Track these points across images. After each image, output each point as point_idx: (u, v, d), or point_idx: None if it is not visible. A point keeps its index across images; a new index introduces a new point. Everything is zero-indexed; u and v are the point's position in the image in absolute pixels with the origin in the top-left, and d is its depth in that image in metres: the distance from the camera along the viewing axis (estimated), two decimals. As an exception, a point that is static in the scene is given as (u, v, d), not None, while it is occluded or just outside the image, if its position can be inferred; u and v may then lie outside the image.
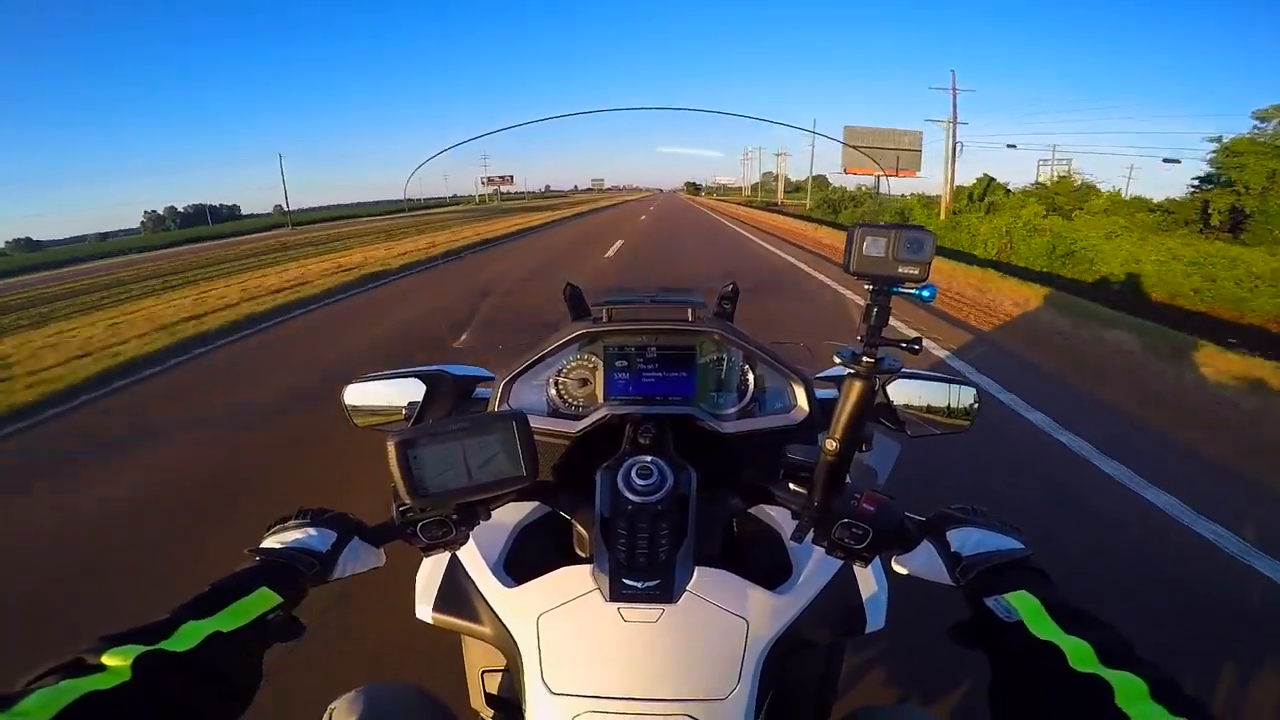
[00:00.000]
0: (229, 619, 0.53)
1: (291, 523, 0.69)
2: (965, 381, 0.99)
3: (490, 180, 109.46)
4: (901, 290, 0.57)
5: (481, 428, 0.68)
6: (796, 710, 0.90)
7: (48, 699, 0.41)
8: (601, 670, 0.69)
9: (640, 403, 0.98)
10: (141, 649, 0.46)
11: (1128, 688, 0.43)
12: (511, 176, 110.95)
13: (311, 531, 0.67)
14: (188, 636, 0.50)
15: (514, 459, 0.68)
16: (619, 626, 0.70)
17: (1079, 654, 0.47)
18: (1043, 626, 0.51)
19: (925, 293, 0.56)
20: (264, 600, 0.56)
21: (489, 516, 0.75)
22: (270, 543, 0.66)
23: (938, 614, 0.62)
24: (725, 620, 0.72)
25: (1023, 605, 0.53)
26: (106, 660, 0.45)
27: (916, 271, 0.55)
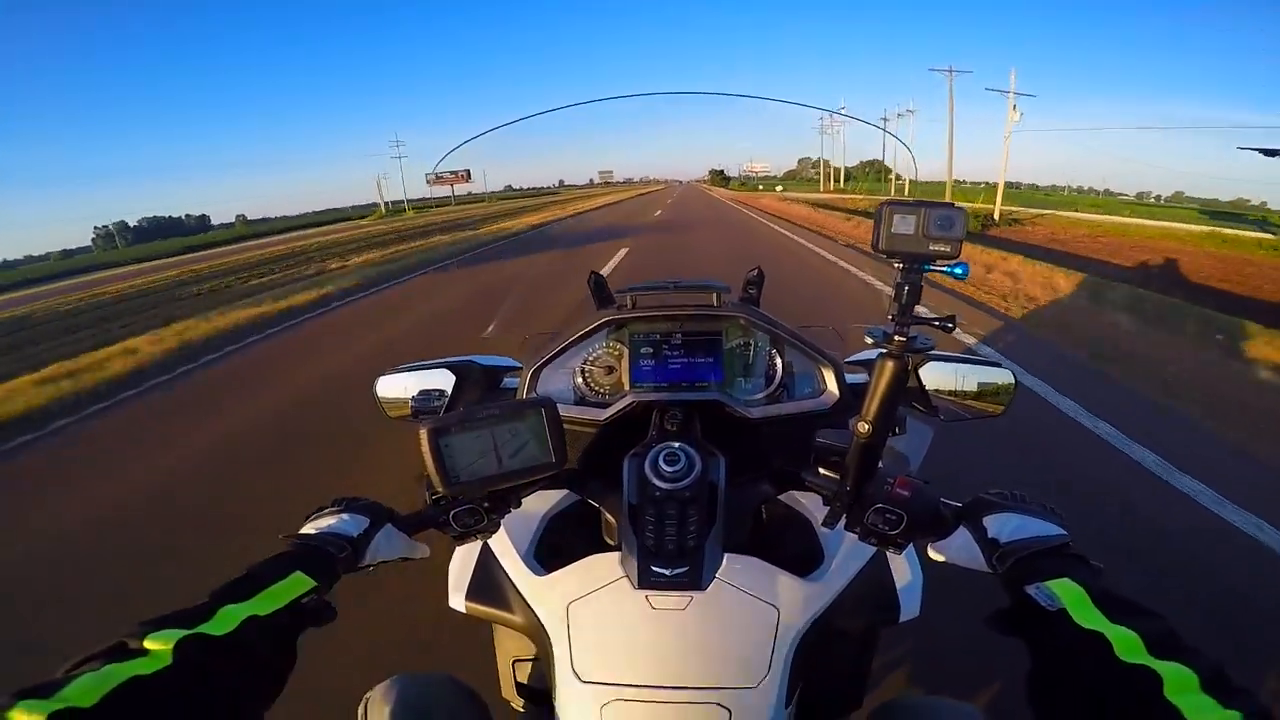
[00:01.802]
0: (265, 603, 0.55)
1: (327, 510, 0.72)
2: (999, 364, 0.98)
3: (440, 178, 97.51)
4: (933, 268, 0.56)
5: (512, 415, 0.69)
6: (828, 700, 0.90)
7: (92, 684, 0.42)
8: (630, 658, 0.70)
9: (667, 389, 0.99)
10: (182, 633, 0.48)
11: (1178, 679, 0.43)
12: (468, 172, 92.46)
13: (345, 518, 0.70)
14: (225, 620, 0.52)
15: (544, 446, 0.70)
16: (647, 614, 0.71)
17: (1126, 644, 0.46)
18: (1087, 615, 0.50)
19: (957, 270, 0.56)
20: (298, 584, 0.58)
21: (519, 504, 0.77)
22: (306, 529, 0.69)
23: (971, 601, 0.61)
24: (755, 608, 0.72)
25: (1065, 593, 0.52)
26: (149, 645, 0.47)
27: (948, 249, 0.54)
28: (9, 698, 0.40)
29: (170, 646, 0.47)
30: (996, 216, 22.08)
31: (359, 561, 0.68)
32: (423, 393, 1.06)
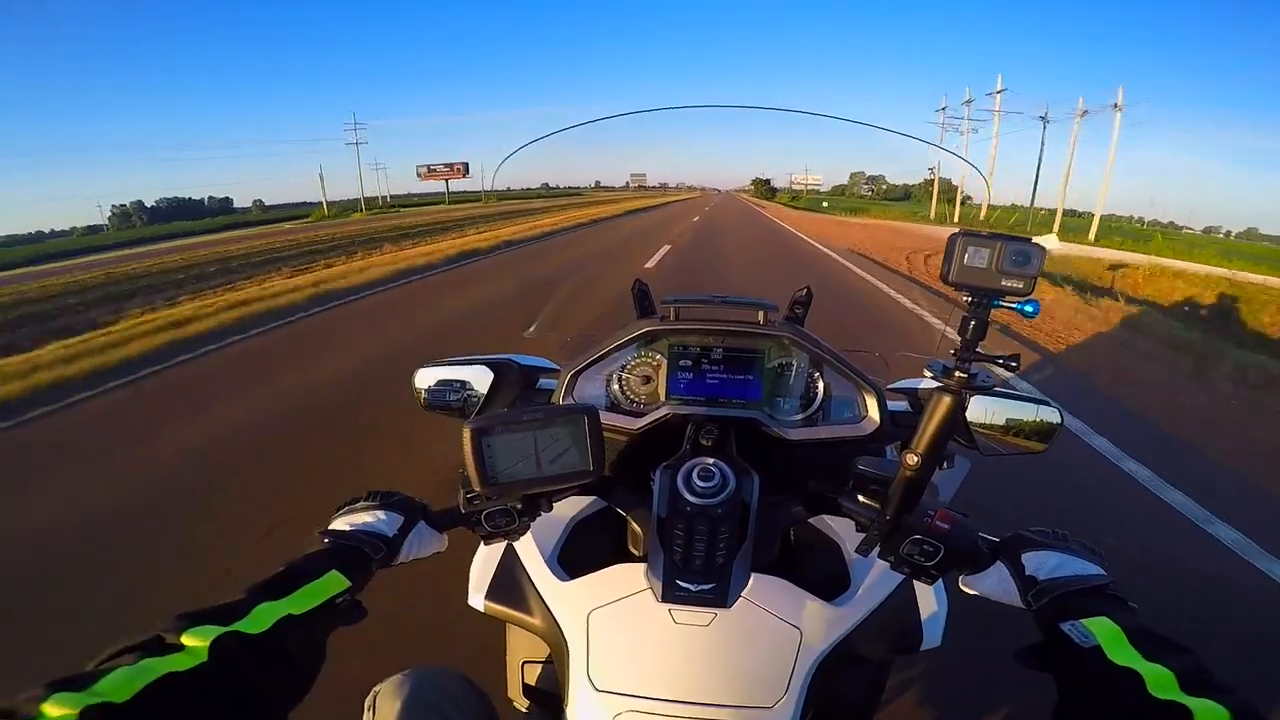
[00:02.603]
0: (300, 601, 0.56)
1: (360, 505, 0.73)
2: (1047, 402, 0.96)
3: (433, 171, 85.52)
4: (1003, 304, 0.55)
5: (555, 420, 0.70)
6: None
7: (127, 679, 0.42)
8: (648, 670, 0.71)
9: (703, 404, 0.99)
10: (219, 630, 0.49)
11: (1209, 716, 0.43)
12: (465, 166, 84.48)
13: (380, 515, 0.71)
14: (262, 619, 0.52)
15: (584, 454, 0.71)
16: (669, 628, 0.72)
17: (1159, 681, 0.47)
18: (1121, 653, 0.50)
19: (1028, 308, 0.55)
20: (334, 584, 0.59)
21: (550, 509, 0.78)
22: (339, 524, 0.70)
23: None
24: (778, 628, 0.72)
25: (1101, 631, 0.53)
26: (186, 640, 0.47)
27: (1021, 285, 0.54)
28: (43, 689, 0.40)
29: (207, 644, 0.47)
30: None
31: (393, 560, 0.69)
32: (460, 387, 1.07)
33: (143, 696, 0.42)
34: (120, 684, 0.42)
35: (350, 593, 0.61)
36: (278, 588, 0.56)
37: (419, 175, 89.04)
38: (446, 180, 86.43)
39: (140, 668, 0.44)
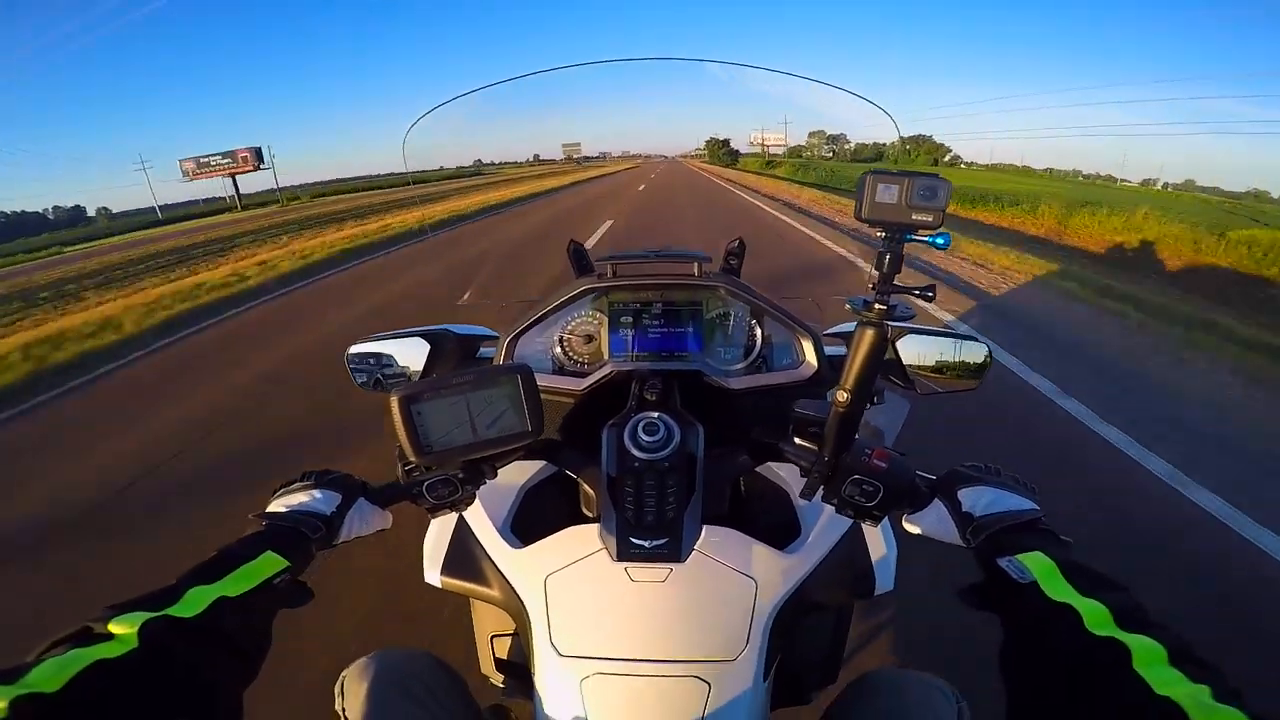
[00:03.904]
0: (235, 584, 0.55)
1: (296, 485, 0.72)
2: (975, 338, 0.99)
3: (205, 166, 64.30)
4: (914, 238, 0.57)
5: (487, 381, 0.69)
6: (803, 673, 0.92)
7: (56, 669, 0.42)
8: (610, 631, 0.71)
9: (646, 359, 1.00)
10: (147, 615, 0.49)
11: (1146, 651, 0.44)
12: (256, 152, 64.27)
13: (316, 494, 0.70)
14: (194, 602, 0.52)
15: (521, 414, 0.70)
16: (627, 586, 0.73)
17: (1095, 616, 0.48)
18: (1057, 588, 0.52)
19: (940, 240, 0.56)
20: (269, 564, 0.59)
21: (495, 475, 0.77)
22: (275, 506, 0.69)
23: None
24: (734, 580, 0.74)
25: (1036, 566, 0.54)
26: (113, 628, 0.47)
27: (930, 219, 0.55)
28: None
29: (135, 629, 0.47)
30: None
31: (334, 540, 0.69)
32: (394, 361, 1.06)
33: (73, 685, 0.42)
34: (49, 674, 0.42)
35: (290, 573, 0.60)
36: (210, 571, 0.56)
37: (185, 174, 67.04)
38: (231, 176, 65.63)
39: (69, 657, 0.44)
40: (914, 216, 0.56)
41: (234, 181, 66.56)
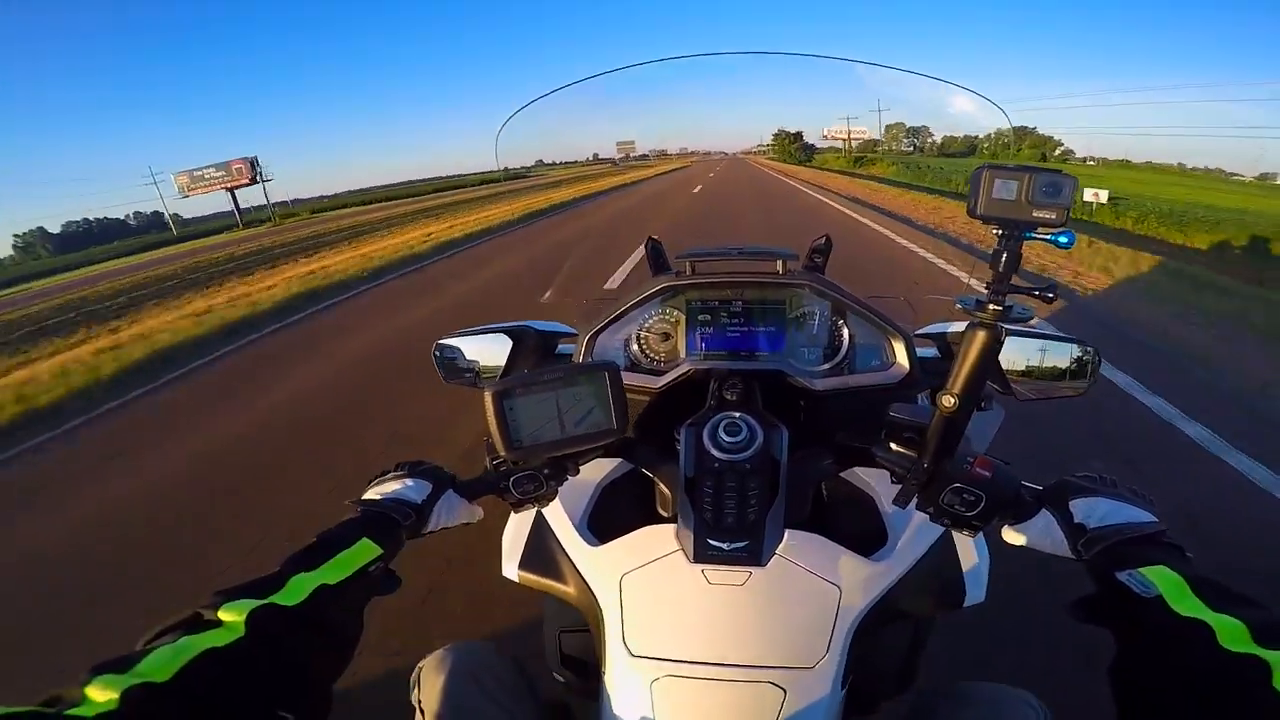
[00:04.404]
0: (334, 570, 0.57)
1: (390, 475, 0.75)
2: (1081, 341, 0.93)
3: (200, 181, 59.20)
4: (1036, 235, 0.54)
5: (576, 378, 0.71)
6: (879, 684, 0.89)
7: (168, 658, 0.43)
8: (684, 633, 0.71)
9: (725, 358, 0.99)
10: (255, 603, 0.50)
11: None
12: (250, 163, 57.91)
13: (409, 483, 0.73)
14: (297, 590, 0.53)
15: (607, 412, 0.71)
16: (703, 589, 0.72)
17: (1231, 632, 0.45)
18: (1186, 603, 0.49)
19: (1063, 238, 0.54)
20: (366, 551, 0.60)
21: (577, 472, 0.78)
22: (370, 495, 0.72)
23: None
24: (816, 586, 0.72)
25: (1162, 580, 0.51)
26: (222, 615, 0.48)
27: (1053, 216, 0.53)
28: (87, 672, 0.41)
29: (243, 617, 0.49)
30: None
31: (423, 528, 0.71)
32: (478, 357, 1.09)
33: (184, 673, 0.43)
34: (161, 663, 0.43)
35: (383, 560, 0.62)
36: (312, 558, 0.58)
37: (180, 190, 61.95)
38: (229, 190, 59.60)
39: (179, 646, 0.45)
40: (1035, 214, 0.53)
41: (233, 196, 61.18)
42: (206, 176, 60.56)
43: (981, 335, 0.59)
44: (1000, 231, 0.56)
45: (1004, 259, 0.56)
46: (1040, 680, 0.87)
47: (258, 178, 59.44)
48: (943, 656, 1.58)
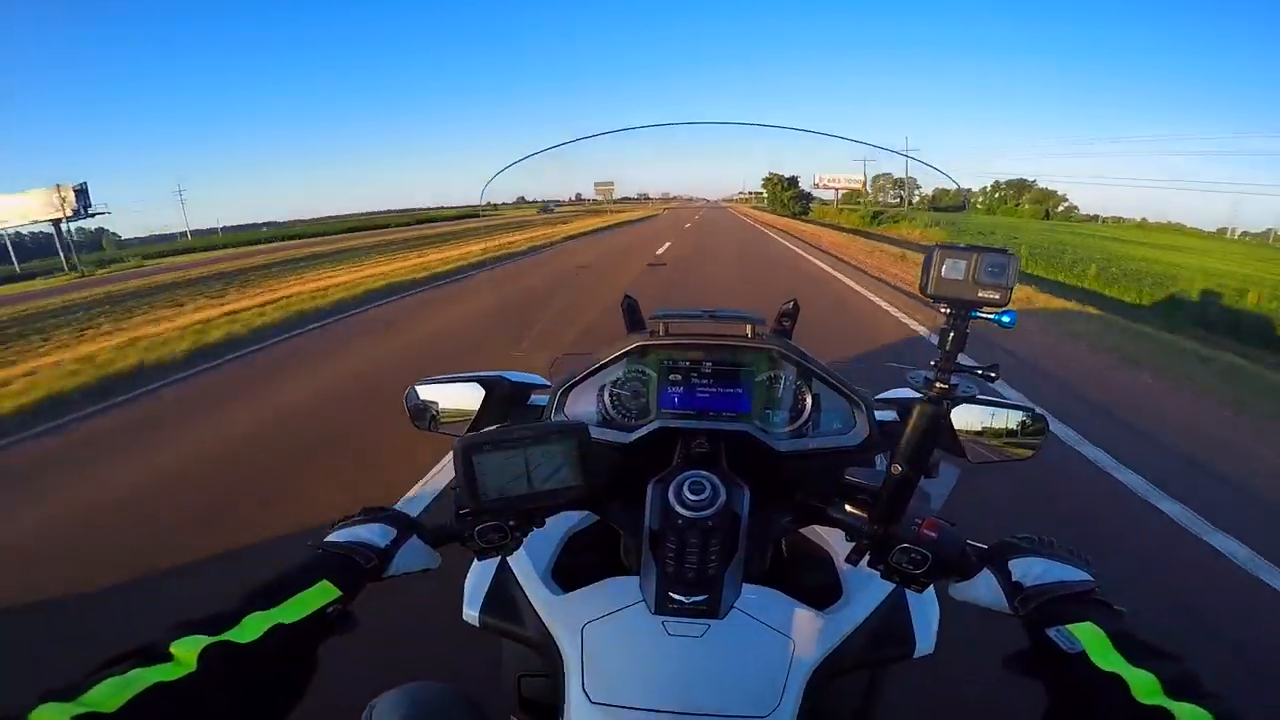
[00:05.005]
0: (291, 610, 0.57)
1: (354, 519, 0.76)
2: (1031, 407, 0.97)
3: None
4: (980, 314, 0.58)
5: (546, 438, 0.73)
6: None
7: (116, 689, 0.44)
8: (643, 682, 0.73)
9: (694, 417, 1.01)
10: (208, 640, 0.50)
11: None
12: (82, 190, 44.49)
13: (373, 527, 0.74)
14: (252, 628, 0.54)
15: (574, 471, 0.73)
16: (663, 639, 0.75)
17: (1144, 686, 0.49)
18: (1106, 658, 0.52)
19: (1005, 318, 0.57)
20: (324, 593, 0.61)
21: (543, 524, 0.81)
22: (333, 537, 0.72)
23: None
24: (771, 639, 0.75)
25: (1086, 636, 0.55)
26: (175, 650, 0.49)
27: (997, 296, 0.56)
28: (35, 699, 0.41)
29: (196, 653, 0.49)
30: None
31: (384, 572, 0.72)
32: (450, 405, 1.10)
33: (131, 706, 0.43)
34: (109, 694, 0.43)
35: (341, 603, 0.63)
36: (269, 596, 0.58)
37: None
38: (57, 225, 45.35)
39: (129, 678, 0.45)
40: (980, 294, 0.56)
41: (57, 230, 46.05)
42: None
43: (928, 410, 0.63)
44: (948, 311, 0.59)
45: (950, 338, 0.60)
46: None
47: (81, 211, 45.65)
48: (902, 703, 1.64)
